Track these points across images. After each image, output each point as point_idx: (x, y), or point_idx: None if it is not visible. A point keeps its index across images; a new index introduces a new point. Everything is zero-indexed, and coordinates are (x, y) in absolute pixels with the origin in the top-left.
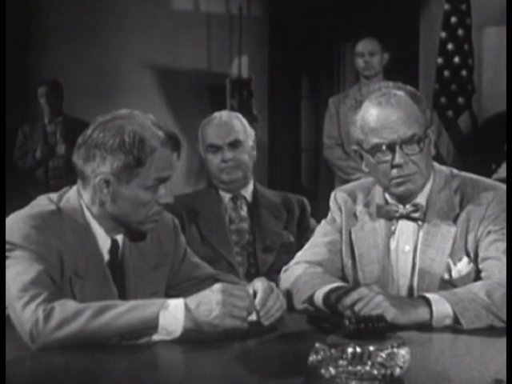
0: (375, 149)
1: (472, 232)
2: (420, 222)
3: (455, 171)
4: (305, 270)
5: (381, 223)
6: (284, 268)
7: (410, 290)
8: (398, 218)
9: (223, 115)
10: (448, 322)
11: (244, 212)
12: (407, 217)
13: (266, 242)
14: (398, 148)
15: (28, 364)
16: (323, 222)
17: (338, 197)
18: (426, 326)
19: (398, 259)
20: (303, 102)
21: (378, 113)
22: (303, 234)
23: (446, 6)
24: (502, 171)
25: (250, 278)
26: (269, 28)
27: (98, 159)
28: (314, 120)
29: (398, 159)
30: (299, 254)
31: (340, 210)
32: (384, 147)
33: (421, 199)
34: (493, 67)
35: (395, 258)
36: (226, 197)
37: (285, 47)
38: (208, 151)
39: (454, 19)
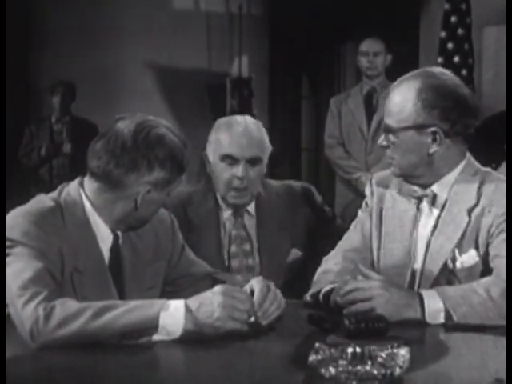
0: None
1: (485, 227)
2: (434, 209)
3: (482, 168)
4: (331, 267)
5: (411, 205)
6: (324, 258)
7: (413, 274)
8: (417, 199)
9: (249, 124)
10: (441, 318)
11: (247, 229)
12: (421, 199)
13: (273, 266)
14: None
15: (28, 363)
16: (359, 211)
17: (373, 181)
18: (424, 324)
19: (417, 242)
20: (303, 101)
21: None
22: (317, 226)
23: (446, 6)
24: (502, 171)
25: None
26: (269, 27)
27: (143, 169)
28: (314, 120)
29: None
30: (340, 241)
31: (372, 193)
32: None
33: (436, 186)
34: (493, 67)
35: (415, 242)
36: (227, 211)
37: (285, 47)
38: (222, 161)
39: (453, 19)
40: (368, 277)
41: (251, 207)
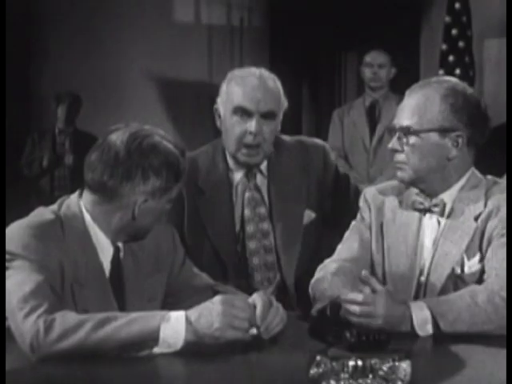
0: None
1: (489, 229)
2: (441, 218)
3: (489, 176)
4: (332, 277)
5: (413, 217)
6: (319, 268)
7: (419, 282)
8: (421, 211)
9: (264, 76)
10: (430, 327)
11: (261, 191)
12: (429, 210)
13: (288, 230)
14: None
15: (28, 375)
16: (353, 222)
17: (367, 195)
18: (417, 336)
19: (422, 254)
20: (304, 112)
21: None
22: (327, 192)
23: (447, 18)
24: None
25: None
26: (270, 39)
27: (138, 179)
28: (314, 130)
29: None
30: (335, 253)
31: (369, 207)
32: None
33: (446, 196)
34: (493, 79)
35: (420, 253)
36: (239, 172)
37: (285, 58)
38: (233, 114)
39: (454, 31)
40: (370, 286)
41: (263, 166)
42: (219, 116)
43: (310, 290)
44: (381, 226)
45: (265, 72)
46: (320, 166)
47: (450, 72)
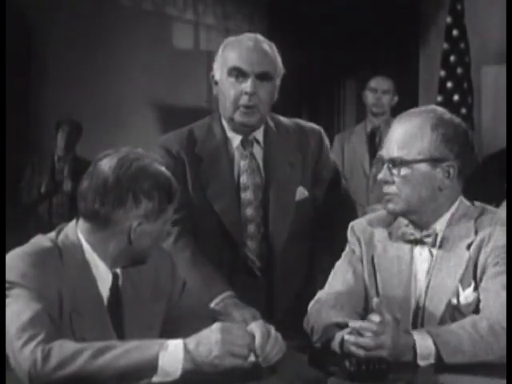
0: None
1: (482, 259)
2: (433, 249)
3: (477, 203)
4: (327, 310)
5: (405, 249)
6: (312, 301)
7: (416, 314)
8: (412, 242)
9: (259, 38)
10: (432, 358)
11: (257, 160)
12: (421, 241)
13: (282, 202)
14: None
15: None
16: (343, 254)
17: (355, 228)
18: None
19: (417, 285)
20: None
21: None
22: (320, 177)
23: (445, 45)
24: (502, 209)
25: (261, 257)
26: None
27: (130, 203)
28: None
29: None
30: (326, 285)
31: (358, 240)
32: None
33: (438, 225)
34: (492, 105)
35: (414, 285)
36: (235, 140)
37: (284, 84)
38: (229, 75)
39: (453, 58)
40: (381, 315)
41: (259, 134)
42: (216, 83)
43: (304, 325)
44: (372, 258)
45: (260, 37)
46: (315, 149)
47: (448, 98)
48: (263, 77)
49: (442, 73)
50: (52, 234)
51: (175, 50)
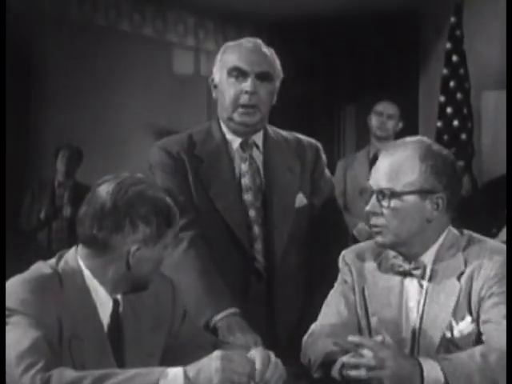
0: None
1: (476, 291)
2: (423, 281)
3: (465, 231)
4: (323, 340)
5: (395, 281)
6: (307, 334)
7: (412, 347)
8: (401, 274)
9: (257, 41)
10: None
11: (257, 164)
12: (410, 274)
13: (282, 206)
14: None
15: None
16: (336, 284)
17: (346, 258)
18: None
19: (407, 317)
20: None
21: None
22: (317, 188)
23: (445, 71)
24: (503, 235)
25: (266, 257)
26: None
27: (127, 228)
28: None
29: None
30: (320, 317)
31: (350, 270)
32: None
33: (426, 257)
34: (492, 130)
35: (406, 317)
36: (235, 142)
37: (284, 110)
38: (229, 76)
39: (452, 83)
40: (382, 340)
41: (259, 139)
42: (215, 86)
43: (301, 359)
44: (363, 290)
45: (260, 41)
46: (312, 159)
47: (448, 124)
48: (263, 77)
49: (442, 98)
50: (52, 261)
51: (175, 75)
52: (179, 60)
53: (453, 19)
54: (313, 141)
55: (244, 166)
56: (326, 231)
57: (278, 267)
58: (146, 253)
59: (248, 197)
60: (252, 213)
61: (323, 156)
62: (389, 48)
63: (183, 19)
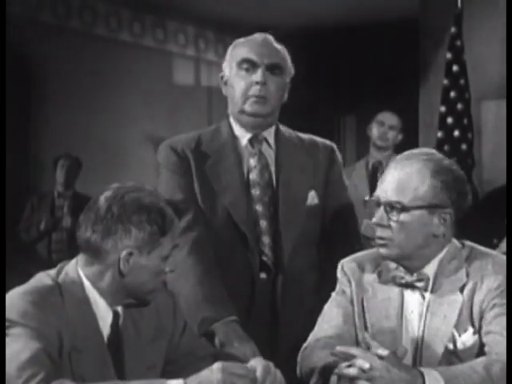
0: None
1: (478, 303)
2: (425, 293)
3: (467, 242)
4: (318, 353)
5: (394, 292)
6: (303, 347)
7: (415, 359)
8: (403, 286)
9: (267, 36)
10: None
11: (266, 159)
12: (412, 286)
13: (291, 199)
14: None
15: None
16: (333, 294)
17: (345, 268)
18: None
19: (407, 329)
20: None
21: None
22: (332, 190)
23: (445, 81)
24: (503, 246)
25: (275, 253)
26: None
27: (120, 233)
28: None
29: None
30: (316, 329)
31: (349, 281)
32: None
33: (429, 269)
34: (492, 141)
35: (406, 330)
36: (244, 138)
37: (283, 119)
38: (239, 68)
39: (453, 94)
40: (373, 349)
41: (270, 136)
42: (225, 83)
43: (298, 372)
44: (362, 301)
45: (271, 37)
46: (326, 163)
47: (448, 134)
48: (273, 68)
49: (443, 108)
50: (53, 272)
51: (176, 85)
52: (179, 70)
53: (453, 29)
54: (328, 142)
55: (252, 161)
56: (340, 236)
57: (287, 262)
58: (140, 260)
59: (255, 191)
60: (259, 207)
61: (339, 158)
62: (389, 58)
63: (184, 29)
